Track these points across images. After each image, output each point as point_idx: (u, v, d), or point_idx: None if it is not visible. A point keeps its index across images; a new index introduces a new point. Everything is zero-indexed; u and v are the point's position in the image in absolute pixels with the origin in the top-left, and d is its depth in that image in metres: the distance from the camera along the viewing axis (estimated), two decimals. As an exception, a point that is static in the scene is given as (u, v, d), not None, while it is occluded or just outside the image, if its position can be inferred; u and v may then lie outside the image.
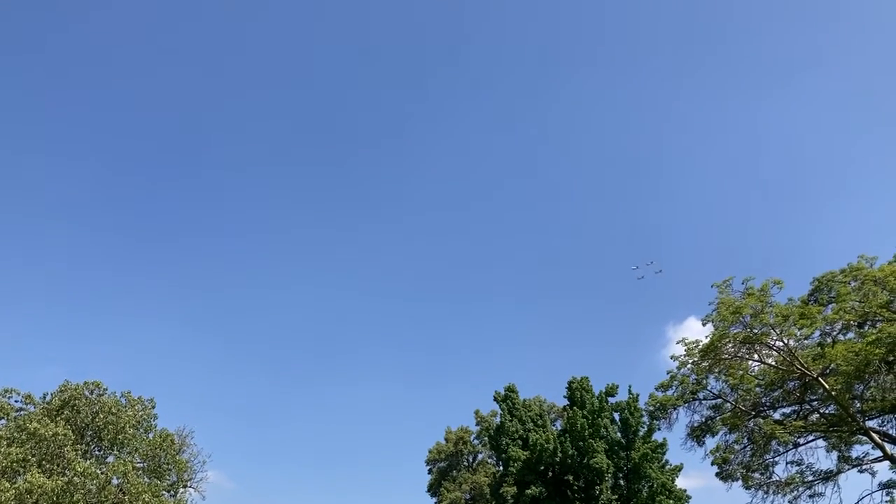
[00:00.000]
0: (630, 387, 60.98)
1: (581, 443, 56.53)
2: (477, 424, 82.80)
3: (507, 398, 63.23)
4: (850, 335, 48.17)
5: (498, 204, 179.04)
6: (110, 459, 44.66)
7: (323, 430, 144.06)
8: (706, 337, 47.89)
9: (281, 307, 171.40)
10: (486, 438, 76.28)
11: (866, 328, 47.04)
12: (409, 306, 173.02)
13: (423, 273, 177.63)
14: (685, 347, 48.84)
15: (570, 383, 61.95)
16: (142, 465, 45.46)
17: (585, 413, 58.64)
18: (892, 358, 41.34)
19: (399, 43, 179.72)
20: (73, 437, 41.23)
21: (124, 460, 41.86)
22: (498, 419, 65.93)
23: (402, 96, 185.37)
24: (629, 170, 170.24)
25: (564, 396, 62.82)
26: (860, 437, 47.42)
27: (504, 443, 60.16)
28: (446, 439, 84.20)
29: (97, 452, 45.30)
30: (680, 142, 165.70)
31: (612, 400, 61.63)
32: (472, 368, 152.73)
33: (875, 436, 45.09)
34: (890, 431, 46.65)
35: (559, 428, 65.79)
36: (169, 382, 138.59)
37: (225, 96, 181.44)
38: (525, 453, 57.98)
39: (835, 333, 48.66)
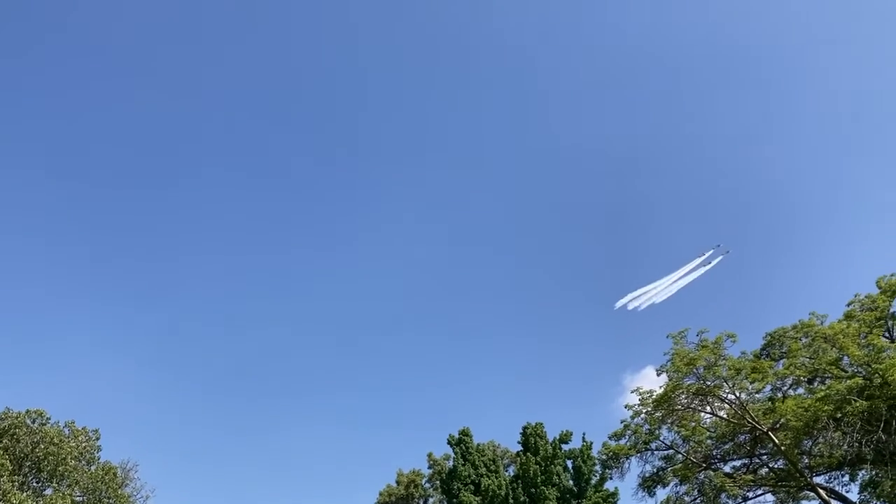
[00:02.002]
0: (584, 434, 61.15)
1: (533, 490, 56.28)
2: (429, 467, 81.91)
3: (460, 442, 62.82)
4: (800, 391, 49.15)
5: (451, 238, 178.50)
6: (48, 492, 43.16)
7: (270, 471, 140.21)
8: (660, 387, 48.44)
9: (233, 342, 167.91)
10: (437, 482, 75.40)
11: (816, 384, 48.03)
12: (363, 344, 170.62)
13: (376, 310, 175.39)
14: (639, 397, 49.28)
15: (524, 429, 61.84)
16: (81, 498, 44.02)
17: (539, 460, 58.52)
18: (839, 415, 42.05)
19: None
20: (10, 468, 39.80)
21: (63, 493, 40.53)
22: (451, 463, 65.41)
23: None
24: (592, 220, 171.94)
25: (518, 442, 62.65)
26: (808, 492, 47.99)
27: (456, 487, 59.57)
28: (397, 482, 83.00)
29: (35, 484, 43.74)
30: (645, 189, 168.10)
31: (565, 447, 61.61)
32: (427, 409, 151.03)
33: (822, 492, 45.70)
34: (836, 488, 47.34)
35: (512, 474, 65.38)
36: (115, 413, 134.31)
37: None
38: (477, 499, 57.47)
39: (785, 388, 49.59)
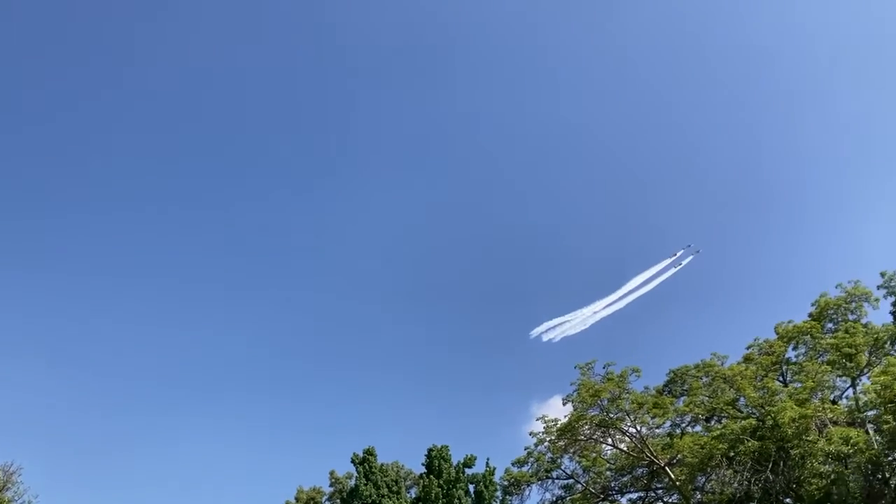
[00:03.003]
0: (488, 459, 61.25)
1: (434, 513, 55.97)
2: (331, 485, 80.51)
3: (364, 461, 62.06)
4: (698, 428, 50.71)
5: (365, 257, 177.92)
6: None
7: (165, 487, 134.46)
8: (565, 416, 49.15)
9: (130, 346, 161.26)
10: (338, 501, 74.21)
11: (713, 423, 49.66)
12: (269, 357, 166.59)
13: (283, 325, 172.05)
14: (544, 425, 49.94)
15: (429, 451, 61.56)
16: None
17: (441, 483, 58.30)
18: (732, 454, 43.53)
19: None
20: None
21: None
22: (353, 482, 64.50)
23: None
24: (509, 243, 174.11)
25: (423, 464, 62.28)
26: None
27: (356, 507, 58.74)
28: (297, 499, 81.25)
29: None
30: (553, 222, 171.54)
31: (469, 471, 61.61)
32: (332, 426, 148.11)
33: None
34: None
35: (414, 496, 64.91)
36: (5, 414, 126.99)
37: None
38: (376, 519, 56.77)
39: (684, 425, 51.08)
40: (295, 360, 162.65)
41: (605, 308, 75.10)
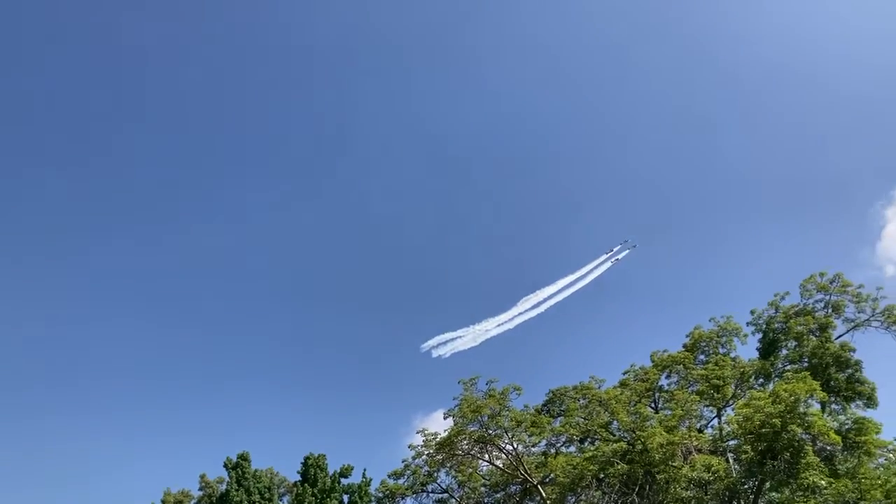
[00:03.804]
0: (364, 470, 60.83)
1: (305, 522, 54.94)
2: (200, 489, 77.71)
3: (238, 466, 60.29)
4: (572, 448, 51.95)
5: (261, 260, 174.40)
6: None
7: (25, 486, 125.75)
8: (445, 431, 49.27)
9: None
10: (207, 506, 71.70)
11: (586, 444, 50.98)
12: (140, 353, 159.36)
13: (162, 321, 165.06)
14: (424, 438, 49.85)
15: (306, 459, 60.49)
16: None
17: (315, 492, 57.35)
18: (602, 475, 44.79)
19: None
20: None
21: None
22: (224, 487, 62.52)
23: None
24: (411, 255, 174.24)
25: (298, 472, 61.13)
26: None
27: (225, 513, 56.92)
28: (163, 502, 77.98)
29: None
30: (459, 237, 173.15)
31: (345, 481, 60.95)
32: (205, 428, 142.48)
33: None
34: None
35: (286, 503, 63.62)
36: None
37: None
38: (245, 526, 55.19)
39: (559, 445, 52.22)
40: (171, 359, 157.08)
41: (497, 327, 75.79)
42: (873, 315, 53.00)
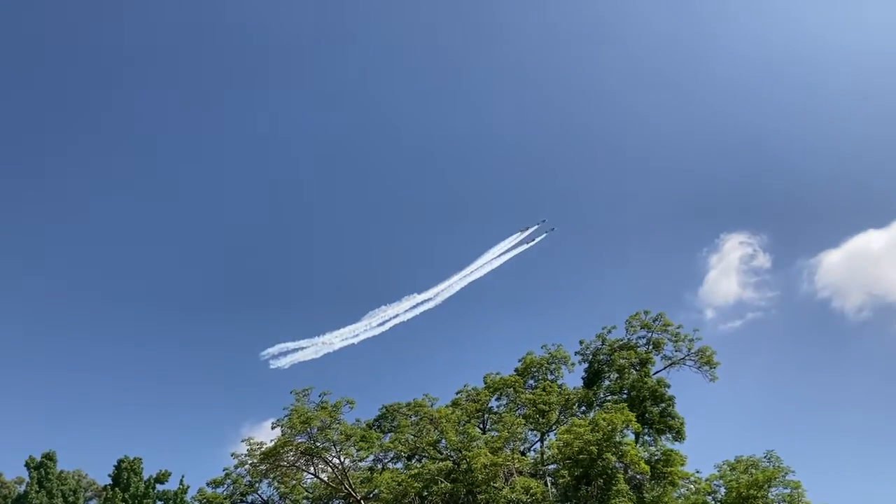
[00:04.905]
0: (182, 477, 58.10)
1: (111, 528, 51.74)
2: (-6, 490, 71.49)
3: (41, 466, 55.91)
4: (399, 465, 52.21)
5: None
6: None
7: None
8: (272, 441, 48.03)
9: None
10: (1, 507, 66.01)
11: (414, 461, 51.42)
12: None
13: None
14: (248, 447, 48.31)
15: (119, 462, 57.08)
16: None
17: (127, 497, 54.23)
18: (426, 493, 45.27)
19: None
20: None
21: None
22: (23, 487, 57.86)
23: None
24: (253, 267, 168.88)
25: (109, 475, 57.55)
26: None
27: (22, 515, 52.60)
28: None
29: None
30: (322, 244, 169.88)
31: (161, 487, 58.06)
32: (9, 424, 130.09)
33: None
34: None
35: (93, 508, 59.75)
36: None
37: None
38: (42, 532, 51.20)
39: (387, 460, 52.38)
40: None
41: (341, 341, 73.93)
42: (688, 354, 57.12)
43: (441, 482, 44.32)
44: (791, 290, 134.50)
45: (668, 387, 55.37)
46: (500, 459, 44.32)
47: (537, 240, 76.50)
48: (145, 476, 57.85)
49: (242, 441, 49.03)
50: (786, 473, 50.79)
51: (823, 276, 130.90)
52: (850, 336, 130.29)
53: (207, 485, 51.17)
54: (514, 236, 76.83)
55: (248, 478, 49.76)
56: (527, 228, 76.48)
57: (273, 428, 48.42)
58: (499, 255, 75.53)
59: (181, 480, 57.71)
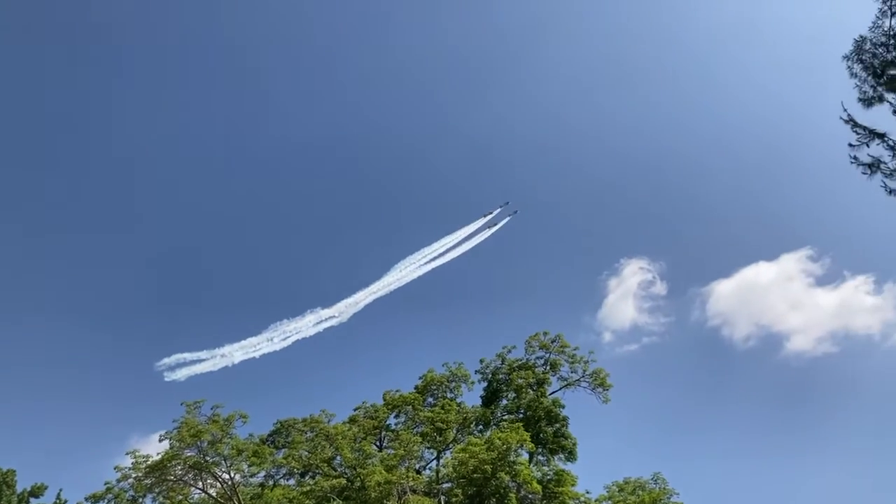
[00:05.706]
0: (60, 491, 54.74)
1: (-25, 544, 48.49)
2: None
3: None
4: (292, 482, 51.18)
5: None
6: None
7: None
8: (159, 454, 46.29)
9: None
10: None
11: (307, 478, 50.52)
12: None
13: None
14: (133, 460, 46.37)
15: (-10, 474, 53.64)
16: None
17: (-5, 511, 50.94)
18: (318, 510, 44.55)
19: None
20: None
21: None
22: None
23: None
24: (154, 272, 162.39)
25: (-22, 488, 53.95)
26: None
27: None
28: None
29: None
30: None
31: (36, 501, 54.76)
32: None
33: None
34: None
35: (-43, 523, 55.80)
36: None
37: None
38: None
39: (279, 477, 51.24)
40: None
41: (243, 354, 71.46)
42: (583, 376, 58.54)
43: (334, 500, 43.73)
44: (684, 316, 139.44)
45: (563, 407, 56.62)
46: (395, 478, 44.12)
47: (500, 224, 75.39)
48: (19, 489, 54.63)
49: (127, 453, 47.02)
50: (671, 496, 52.68)
51: (714, 305, 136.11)
52: (736, 363, 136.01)
53: (86, 499, 48.65)
54: (479, 221, 75.70)
55: (132, 492, 47.58)
56: (490, 213, 75.61)
57: (161, 440, 46.76)
58: (462, 241, 74.27)
59: (58, 494, 54.57)
